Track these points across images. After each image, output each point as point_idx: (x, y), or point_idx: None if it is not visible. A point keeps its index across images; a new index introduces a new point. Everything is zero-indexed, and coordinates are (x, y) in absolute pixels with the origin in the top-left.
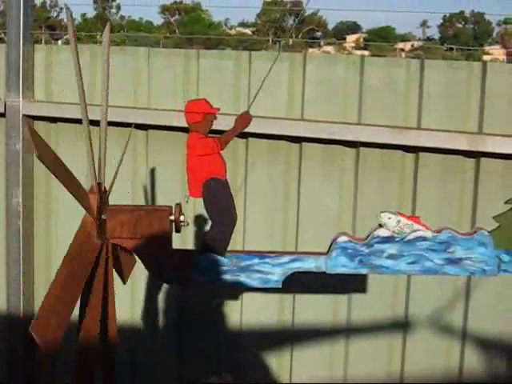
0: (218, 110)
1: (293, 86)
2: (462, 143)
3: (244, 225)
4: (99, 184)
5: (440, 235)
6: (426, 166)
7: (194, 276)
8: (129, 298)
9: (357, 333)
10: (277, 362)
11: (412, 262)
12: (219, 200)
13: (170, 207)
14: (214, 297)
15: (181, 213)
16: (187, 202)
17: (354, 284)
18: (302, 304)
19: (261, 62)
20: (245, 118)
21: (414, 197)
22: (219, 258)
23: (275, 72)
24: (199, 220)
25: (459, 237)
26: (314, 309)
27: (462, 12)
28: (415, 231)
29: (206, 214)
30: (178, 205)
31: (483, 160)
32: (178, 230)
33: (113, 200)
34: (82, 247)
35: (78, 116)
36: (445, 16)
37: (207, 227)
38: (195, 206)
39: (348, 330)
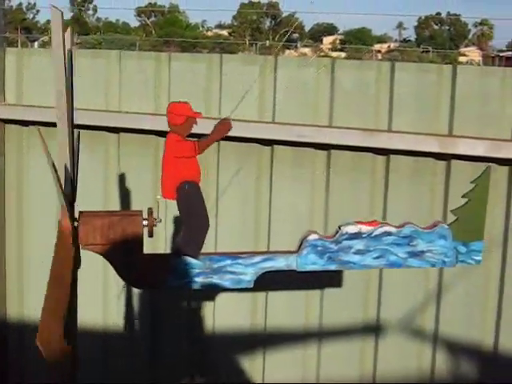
0: (200, 114)
1: (264, 89)
2: (432, 145)
3: (216, 227)
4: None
5: (403, 229)
6: (397, 169)
7: (167, 280)
8: (101, 300)
9: (329, 335)
10: (250, 363)
11: (378, 257)
12: (193, 203)
13: (142, 212)
14: (187, 300)
15: (153, 217)
16: (159, 202)
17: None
18: (275, 307)
19: (232, 64)
20: (225, 125)
21: (385, 199)
22: (192, 261)
23: (246, 75)
24: (172, 223)
25: (421, 230)
26: (286, 312)
27: (438, 14)
28: (381, 227)
29: (179, 217)
30: (150, 209)
31: (454, 162)
32: (151, 235)
33: (85, 205)
34: (63, 256)
35: (50, 119)
36: (420, 18)
37: (180, 230)
38: (168, 209)
39: (320, 333)
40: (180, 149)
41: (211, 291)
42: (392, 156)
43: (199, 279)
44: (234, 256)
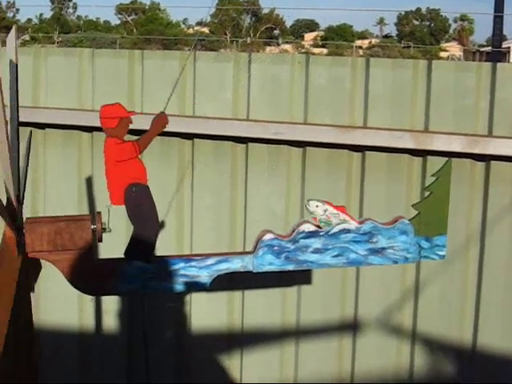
0: (134, 113)
1: (238, 86)
2: (408, 142)
3: (191, 227)
4: (18, 195)
5: (363, 226)
6: (373, 165)
7: (119, 285)
8: (76, 302)
9: (306, 334)
10: (226, 363)
11: (337, 255)
12: (142, 206)
13: (91, 216)
14: (162, 302)
15: (102, 221)
16: (109, 210)
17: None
18: (251, 306)
19: (205, 62)
20: (161, 119)
21: (361, 195)
22: (144, 265)
23: (220, 72)
24: (122, 228)
25: (381, 227)
26: (263, 311)
27: (418, 9)
28: (339, 223)
29: (128, 221)
30: (99, 213)
31: (430, 158)
32: (100, 240)
33: (59, 206)
34: (6, 266)
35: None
36: (400, 13)
37: (130, 235)
38: (117, 213)
39: (297, 332)
40: (120, 152)
41: (165, 295)
42: (368, 153)
43: (151, 283)
44: (187, 258)
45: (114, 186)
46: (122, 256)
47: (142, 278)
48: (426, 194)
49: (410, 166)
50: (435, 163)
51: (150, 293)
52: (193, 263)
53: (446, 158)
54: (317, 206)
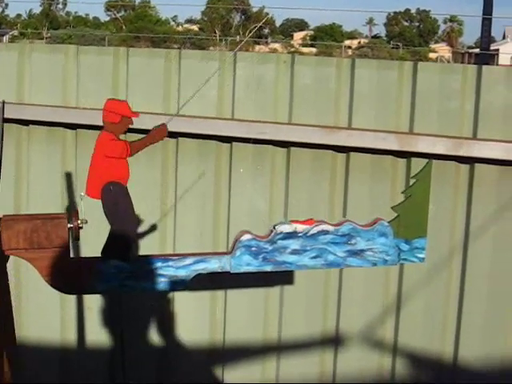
0: (138, 114)
1: (223, 85)
2: (392, 143)
3: (174, 226)
4: None
5: (341, 228)
6: (357, 166)
7: (95, 284)
8: (58, 304)
9: (288, 348)
10: (207, 378)
11: (315, 257)
12: (119, 204)
13: (68, 214)
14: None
15: (78, 219)
16: (82, 199)
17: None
18: (233, 320)
19: (190, 60)
20: (161, 131)
21: (345, 197)
22: (121, 264)
23: (205, 71)
24: (99, 226)
25: (360, 228)
26: (244, 324)
27: (407, 10)
28: (317, 225)
29: (106, 220)
30: (76, 211)
31: (414, 160)
32: (77, 238)
33: (43, 201)
34: None
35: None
36: (389, 14)
37: (107, 233)
38: (94, 211)
39: (279, 346)
40: (112, 148)
41: (142, 295)
42: (352, 153)
43: (128, 283)
44: (164, 258)
45: (94, 179)
46: (99, 255)
47: (119, 276)
48: (406, 196)
49: (394, 168)
50: (419, 165)
51: (128, 292)
52: (170, 263)
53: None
54: (285, 228)
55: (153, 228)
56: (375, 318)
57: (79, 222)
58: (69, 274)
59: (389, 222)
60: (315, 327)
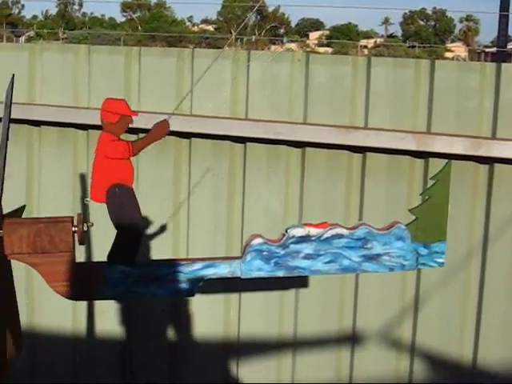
0: (137, 113)
1: (237, 85)
2: (409, 143)
3: (187, 227)
4: None
5: (357, 231)
6: (374, 167)
7: (101, 290)
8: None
9: (304, 345)
10: (222, 373)
11: (329, 261)
12: (125, 207)
13: (72, 217)
14: (156, 309)
15: (83, 223)
16: (86, 204)
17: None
18: (248, 316)
19: (203, 59)
20: (162, 127)
21: (361, 198)
22: (127, 269)
23: (218, 70)
24: (105, 230)
25: (376, 232)
26: (260, 320)
27: (423, 9)
28: (332, 229)
29: (111, 223)
30: (81, 215)
31: (432, 160)
32: (81, 242)
33: (54, 202)
34: None
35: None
36: (405, 13)
37: (111, 235)
38: (100, 213)
39: (295, 342)
40: (113, 149)
41: (150, 300)
42: (368, 154)
43: (135, 288)
44: (172, 263)
45: (98, 183)
46: (105, 259)
47: (125, 282)
48: (425, 198)
49: (411, 168)
50: (437, 165)
51: (135, 298)
52: (179, 268)
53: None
54: (298, 232)
55: (163, 229)
56: (393, 319)
57: (85, 224)
58: (74, 280)
59: (406, 226)
60: (331, 325)
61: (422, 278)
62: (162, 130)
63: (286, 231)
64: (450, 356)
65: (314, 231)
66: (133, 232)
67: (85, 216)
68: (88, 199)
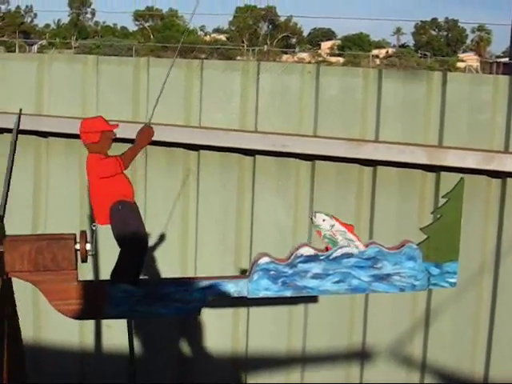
0: (117, 126)
1: (246, 97)
2: (421, 157)
3: (196, 242)
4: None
5: (367, 250)
6: (385, 181)
7: (104, 309)
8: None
9: (313, 361)
10: None
11: (338, 281)
12: (129, 225)
13: (75, 235)
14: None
15: (87, 241)
16: (94, 229)
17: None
18: (257, 332)
19: (212, 70)
20: (146, 132)
21: (371, 212)
22: (132, 287)
23: (227, 81)
24: (108, 248)
25: (386, 251)
26: (268, 336)
27: (435, 19)
28: (342, 247)
29: (114, 241)
30: (84, 232)
31: (443, 174)
32: (84, 260)
33: (63, 211)
34: None
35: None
36: (417, 23)
37: (117, 255)
38: (103, 233)
39: (304, 358)
40: (104, 168)
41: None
42: (379, 167)
43: (139, 308)
44: (178, 282)
45: (100, 205)
46: (108, 278)
47: (129, 301)
48: (436, 216)
49: (422, 182)
50: (448, 179)
51: (138, 318)
52: (183, 287)
53: (460, 175)
54: (324, 220)
55: (161, 239)
56: (403, 335)
57: (87, 244)
58: (76, 299)
59: (417, 245)
60: (341, 341)
61: (434, 293)
62: (147, 137)
63: (294, 250)
64: (462, 372)
65: (338, 227)
66: (137, 249)
67: (92, 237)
68: (95, 224)
